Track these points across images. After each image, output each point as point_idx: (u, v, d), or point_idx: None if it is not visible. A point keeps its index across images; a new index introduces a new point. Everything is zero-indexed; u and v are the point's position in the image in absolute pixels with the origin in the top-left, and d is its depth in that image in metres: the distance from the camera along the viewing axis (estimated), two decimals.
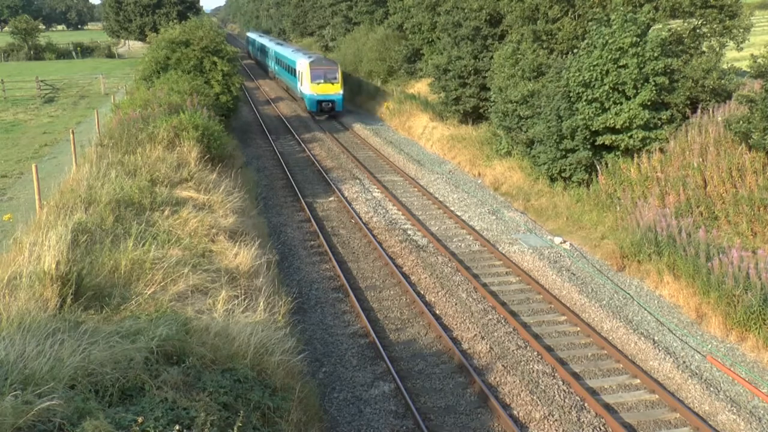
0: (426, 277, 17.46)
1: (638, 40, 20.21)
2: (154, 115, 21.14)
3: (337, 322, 15.21)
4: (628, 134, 20.61)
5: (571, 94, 21.51)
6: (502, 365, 13.38)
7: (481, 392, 12.36)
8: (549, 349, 14.10)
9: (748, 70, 19.46)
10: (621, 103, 20.47)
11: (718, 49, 23.05)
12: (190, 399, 7.28)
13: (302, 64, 41.12)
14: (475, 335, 14.53)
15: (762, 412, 11.99)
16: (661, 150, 20.43)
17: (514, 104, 25.71)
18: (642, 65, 20.15)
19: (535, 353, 13.84)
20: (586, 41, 22.05)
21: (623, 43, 20.07)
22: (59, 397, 6.32)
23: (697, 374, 13.09)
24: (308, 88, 39.79)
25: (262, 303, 10.87)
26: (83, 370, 7.03)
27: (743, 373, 13.05)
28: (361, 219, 21.77)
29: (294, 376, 9.86)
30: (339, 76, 39.83)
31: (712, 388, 12.61)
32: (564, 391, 12.55)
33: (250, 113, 43.33)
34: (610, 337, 14.68)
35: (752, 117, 17.82)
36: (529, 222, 21.72)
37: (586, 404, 12.18)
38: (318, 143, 33.66)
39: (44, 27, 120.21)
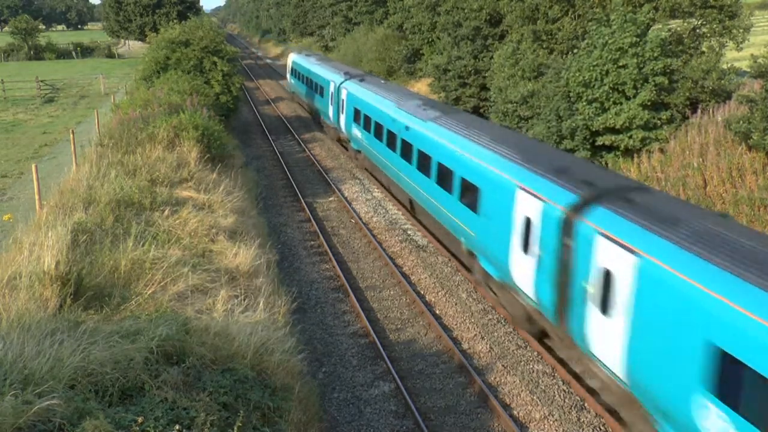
0: (426, 277, 17.46)
1: (638, 40, 20.22)
2: (154, 115, 21.14)
3: (337, 322, 15.21)
4: (628, 134, 20.62)
5: (571, 95, 21.52)
6: (502, 365, 13.38)
7: (481, 392, 12.36)
8: (549, 349, 14.09)
9: (748, 70, 19.48)
10: (621, 104, 20.48)
11: (717, 50, 23.07)
12: (190, 399, 7.28)
13: None
14: (475, 335, 14.54)
15: None
16: (661, 150, 20.44)
17: (514, 104, 25.74)
18: (642, 65, 20.16)
19: (535, 353, 13.84)
20: (586, 41, 22.07)
21: (623, 43, 20.08)
22: (59, 397, 6.32)
23: None
24: None
25: (261, 303, 10.87)
26: (83, 370, 7.02)
27: None
28: (361, 219, 21.77)
29: (294, 376, 9.86)
30: None
31: None
32: (564, 391, 12.56)
33: (250, 113, 43.32)
34: None
35: (752, 117, 17.83)
36: None
37: (585, 404, 12.19)
38: (318, 143, 33.66)
39: (44, 27, 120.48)
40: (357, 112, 25.96)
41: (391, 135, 21.33)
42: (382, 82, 28.73)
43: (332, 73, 32.04)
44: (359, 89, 26.43)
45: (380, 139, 22.68)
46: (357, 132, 26.11)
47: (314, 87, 35.66)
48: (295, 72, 42.83)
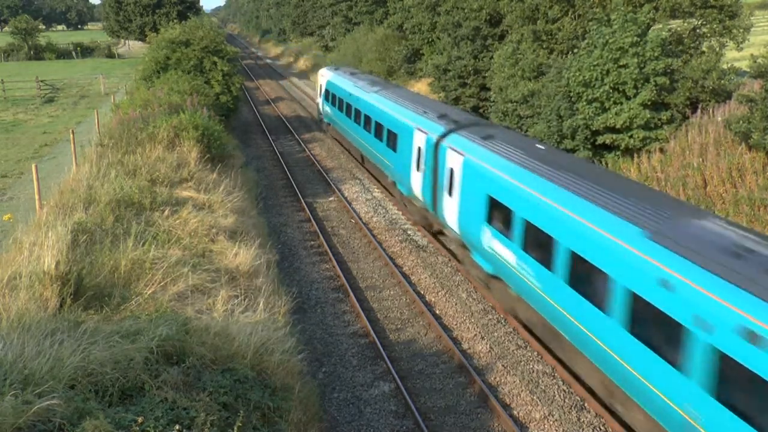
0: (426, 277, 17.46)
1: (638, 39, 20.23)
2: (154, 115, 21.15)
3: (337, 322, 15.21)
4: (629, 134, 20.62)
5: (571, 94, 21.52)
6: (502, 365, 13.38)
7: (481, 392, 12.36)
8: (549, 349, 14.08)
9: (748, 70, 19.47)
10: (621, 103, 20.48)
11: (718, 49, 23.06)
12: (190, 399, 7.28)
13: None
14: (475, 335, 14.53)
15: None
16: (662, 150, 20.44)
17: (515, 104, 25.74)
18: (642, 65, 20.16)
19: (535, 353, 13.84)
20: (586, 41, 22.07)
21: (623, 43, 20.08)
22: (59, 397, 6.32)
23: None
24: None
25: (261, 303, 10.87)
26: (83, 370, 7.03)
27: None
28: (361, 219, 21.77)
29: (294, 376, 9.86)
30: None
31: None
32: (564, 391, 12.56)
33: (250, 113, 43.32)
34: None
35: (752, 117, 17.83)
36: None
37: (585, 404, 12.19)
38: (318, 143, 33.65)
39: (44, 27, 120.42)
40: (497, 207, 14.06)
41: (641, 303, 9.57)
42: (541, 148, 15.21)
43: (416, 114, 19.80)
44: (502, 164, 14.20)
45: (590, 297, 10.84)
46: (496, 245, 14.07)
47: (373, 128, 23.69)
48: (332, 97, 30.87)
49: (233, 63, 32.90)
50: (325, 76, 33.15)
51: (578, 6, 26.30)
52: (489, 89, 30.89)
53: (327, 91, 31.98)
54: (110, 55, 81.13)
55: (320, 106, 34.03)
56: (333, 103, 30.70)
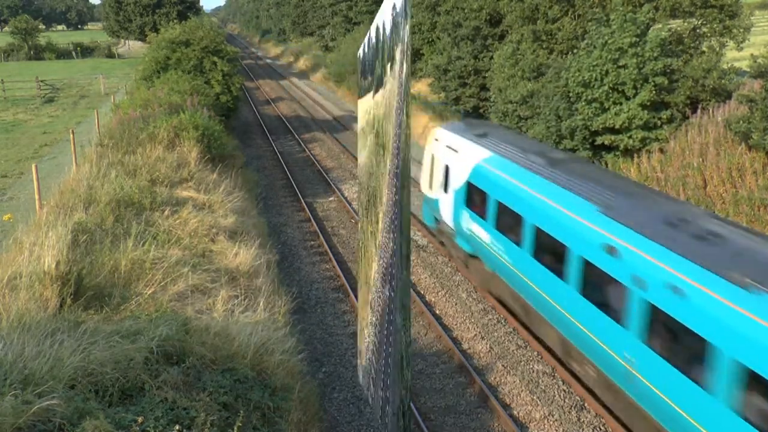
0: (426, 277, 17.46)
1: (638, 40, 20.22)
2: (154, 115, 21.15)
3: (337, 322, 15.21)
4: (628, 134, 20.61)
5: (570, 95, 21.52)
6: (502, 365, 13.38)
7: (481, 392, 12.36)
8: (549, 350, 14.09)
9: (748, 70, 19.47)
10: (620, 104, 20.47)
11: (718, 49, 23.05)
12: (190, 399, 7.28)
13: None
14: (475, 335, 14.54)
15: None
16: (661, 150, 20.43)
17: (514, 104, 25.72)
18: (641, 65, 20.15)
19: (535, 353, 13.85)
20: (585, 41, 22.06)
21: (623, 43, 20.07)
22: (59, 397, 6.32)
23: None
24: None
25: (262, 303, 10.88)
26: (83, 370, 7.03)
27: None
28: None
29: (294, 376, 9.86)
30: None
31: None
32: (564, 391, 12.56)
33: (250, 113, 43.32)
34: None
35: (752, 117, 17.82)
36: None
37: (585, 404, 12.19)
38: (318, 143, 33.66)
39: (44, 27, 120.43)
40: None
41: None
42: None
43: None
44: None
45: None
46: None
47: None
48: (492, 206, 14.36)
49: (233, 63, 32.89)
50: (460, 150, 16.24)
51: (578, 6, 26.29)
52: (489, 89, 30.88)
53: (471, 187, 15.49)
54: (110, 55, 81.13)
55: (448, 214, 16.84)
56: (498, 226, 14.36)
